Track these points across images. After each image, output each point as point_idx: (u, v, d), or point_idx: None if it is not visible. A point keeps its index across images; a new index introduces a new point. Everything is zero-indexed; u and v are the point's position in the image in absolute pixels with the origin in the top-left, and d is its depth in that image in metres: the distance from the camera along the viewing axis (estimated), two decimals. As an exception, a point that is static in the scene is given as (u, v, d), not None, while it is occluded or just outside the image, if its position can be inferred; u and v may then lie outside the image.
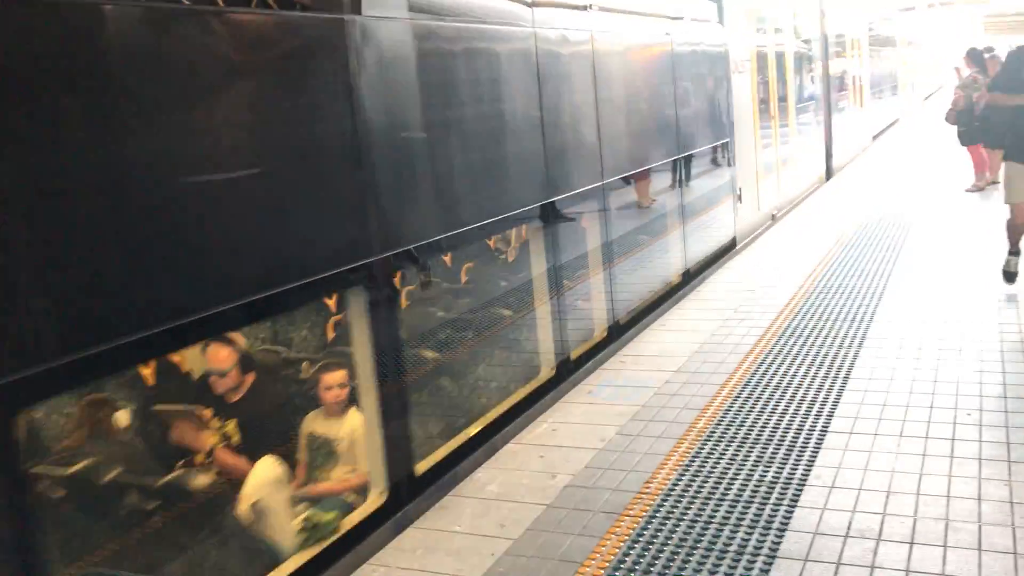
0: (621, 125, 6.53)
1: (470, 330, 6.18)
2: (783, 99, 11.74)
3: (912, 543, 3.38)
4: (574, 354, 5.72)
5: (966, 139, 11.87)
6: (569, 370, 5.59)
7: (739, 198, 9.36)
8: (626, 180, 6.82)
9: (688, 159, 7.98)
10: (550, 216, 5.46)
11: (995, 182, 11.85)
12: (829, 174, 14.78)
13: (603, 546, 3.56)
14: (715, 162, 8.91)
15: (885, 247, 8.67)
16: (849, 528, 3.53)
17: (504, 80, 4.96)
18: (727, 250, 9.03)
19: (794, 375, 5.28)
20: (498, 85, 4.91)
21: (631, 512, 3.81)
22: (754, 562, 3.34)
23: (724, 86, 8.88)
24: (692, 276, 7.91)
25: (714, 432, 4.57)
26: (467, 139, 4.63)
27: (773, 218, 10.81)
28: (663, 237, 7.80)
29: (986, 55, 12.09)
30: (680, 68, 7.61)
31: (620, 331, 6.34)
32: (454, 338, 5.90)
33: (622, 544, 3.56)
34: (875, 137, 20.41)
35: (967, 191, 11.65)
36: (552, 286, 5.56)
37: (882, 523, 3.54)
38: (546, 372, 5.45)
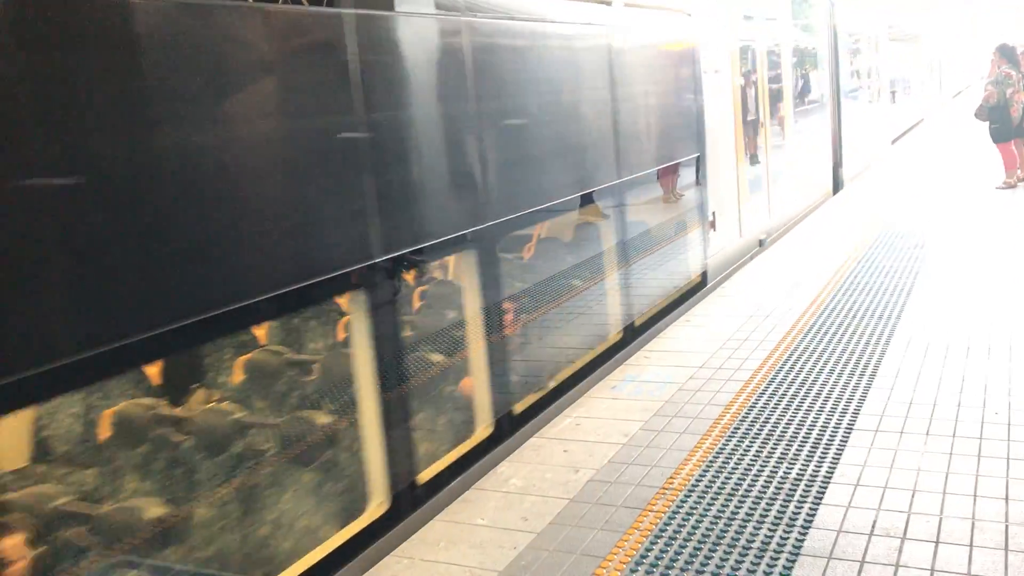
0: (528, 146, 4.99)
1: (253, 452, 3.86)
2: (777, 103, 10.32)
3: (937, 542, 3.36)
4: (424, 476, 4.08)
5: (999, 135, 11.76)
6: (415, 501, 3.96)
7: (712, 225, 7.84)
8: (552, 211, 5.34)
9: (636, 183, 6.48)
10: (390, 278, 3.91)
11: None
12: (838, 186, 13.30)
13: (626, 541, 3.57)
14: (678, 183, 7.46)
15: (906, 250, 8.58)
16: (874, 526, 3.51)
17: (294, 84, 3.38)
18: (695, 289, 7.46)
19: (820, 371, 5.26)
20: (274, 92, 3.30)
21: (654, 507, 3.82)
22: (777, 559, 3.33)
23: (692, 90, 7.42)
24: (639, 331, 6.30)
25: (738, 428, 4.56)
26: (225, 170, 3.06)
27: (761, 244, 9.39)
28: (595, 284, 6.14)
29: (1019, 51, 11.96)
30: (622, 68, 6.07)
31: (515, 424, 4.76)
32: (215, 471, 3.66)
33: (645, 539, 3.56)
34: (895, 140, 19.21)
35: (998, 188, 11.52)
36: (387, 378, 3.83)
37: (907, 521, 3.52)
38: (373, 509, 3.79)
